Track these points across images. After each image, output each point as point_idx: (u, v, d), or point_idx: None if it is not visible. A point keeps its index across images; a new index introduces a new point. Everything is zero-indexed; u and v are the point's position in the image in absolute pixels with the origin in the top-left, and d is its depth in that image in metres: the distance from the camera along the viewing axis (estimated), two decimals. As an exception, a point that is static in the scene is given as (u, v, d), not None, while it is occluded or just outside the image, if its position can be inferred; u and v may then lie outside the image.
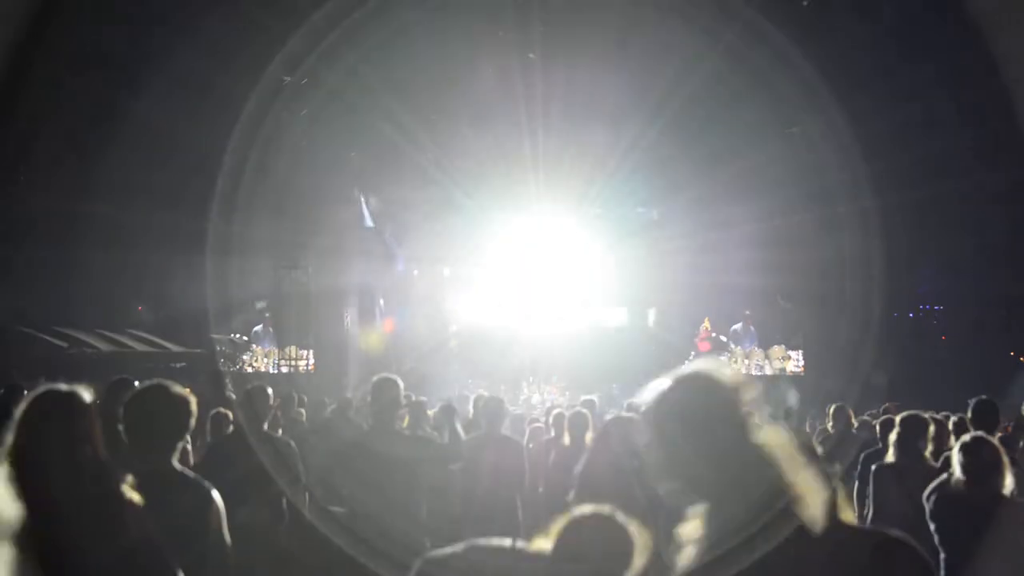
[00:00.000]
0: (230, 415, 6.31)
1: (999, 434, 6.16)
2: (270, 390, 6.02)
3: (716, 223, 22.08)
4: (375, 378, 4.92)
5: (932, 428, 5.70)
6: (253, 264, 22.06)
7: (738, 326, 22.39)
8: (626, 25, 18.71)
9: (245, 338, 22.07)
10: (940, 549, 4.23)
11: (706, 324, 22.33)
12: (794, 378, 21.64)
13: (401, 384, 4.89)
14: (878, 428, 7.23)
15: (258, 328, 22.85)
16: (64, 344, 16.90)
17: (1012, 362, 21.97)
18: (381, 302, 23.90)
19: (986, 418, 5.42)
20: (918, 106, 19.87)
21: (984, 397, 5.71)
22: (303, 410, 9.75)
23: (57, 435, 2.30)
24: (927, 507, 4.35)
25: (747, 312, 22.35)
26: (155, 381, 3.07)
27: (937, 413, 7.23)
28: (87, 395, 2.48)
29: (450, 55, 19.20)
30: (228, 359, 18.84)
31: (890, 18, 19.21)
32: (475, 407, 9.04)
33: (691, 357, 21.97)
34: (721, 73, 19.57)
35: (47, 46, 16.77)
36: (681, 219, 22.78)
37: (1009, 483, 4.04)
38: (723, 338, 22.32)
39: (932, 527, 4.31)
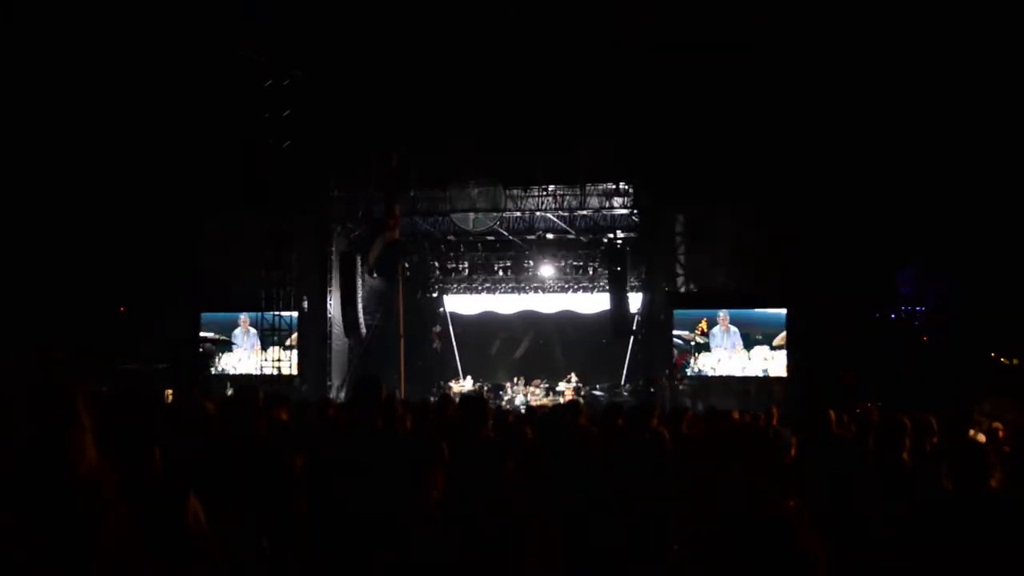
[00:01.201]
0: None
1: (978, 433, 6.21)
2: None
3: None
4: (356, 378, 4.91)
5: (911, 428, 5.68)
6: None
7: (717, 327, 22.41)
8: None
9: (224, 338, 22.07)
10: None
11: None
12: (776, 380, 21.75)
13: (382, 384, 4.88)
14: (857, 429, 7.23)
15: (238, 330, 22.83)
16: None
17: (992, 363, 22.12)
18: (361, 306, 23.84)
19: (958, 419, 5.40)
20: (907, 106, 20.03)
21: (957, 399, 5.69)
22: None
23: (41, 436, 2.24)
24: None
25: (724, 314, 22.35)
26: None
27: (917, 413, 7.23)
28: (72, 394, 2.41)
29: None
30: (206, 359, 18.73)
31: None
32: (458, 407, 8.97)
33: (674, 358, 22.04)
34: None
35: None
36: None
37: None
38: (701, 339, 22.29)
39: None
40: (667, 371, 21.95)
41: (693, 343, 22.17)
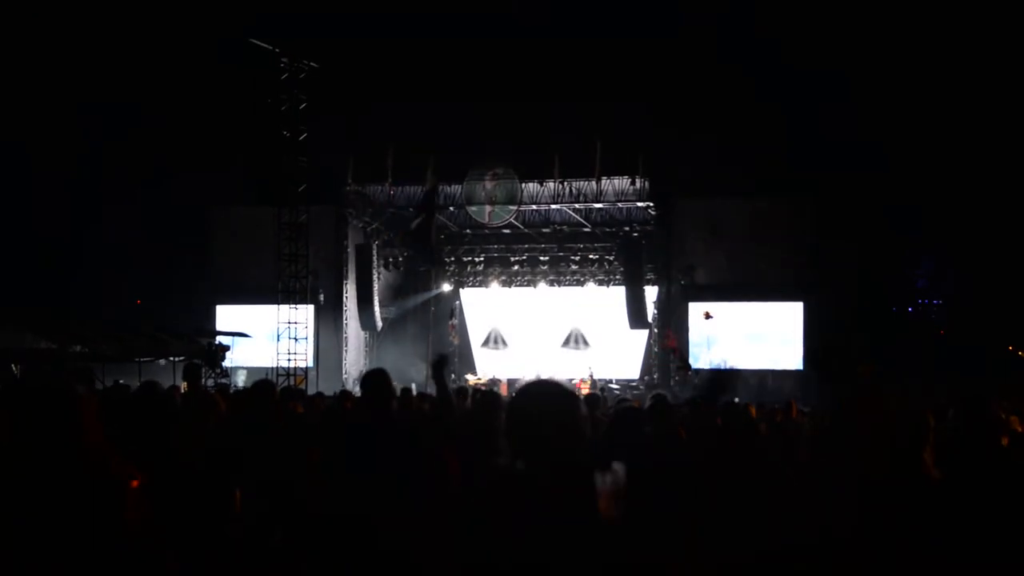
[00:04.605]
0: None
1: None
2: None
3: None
4: (366, 371, 4.94)
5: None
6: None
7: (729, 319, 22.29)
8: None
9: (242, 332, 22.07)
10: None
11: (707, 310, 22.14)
12: (790, 372, 21.66)
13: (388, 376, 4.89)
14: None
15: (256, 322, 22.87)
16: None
17: (1010, 356, 21.98)
18: (377, 299, 23.86)
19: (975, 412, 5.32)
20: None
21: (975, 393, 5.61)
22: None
23: (54, 427, 2.38)
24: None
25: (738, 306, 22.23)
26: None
27: (935, 407, 7.18)
28: (81, 388, 2.56)
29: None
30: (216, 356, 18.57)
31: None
32: (471, 401, 8.91)
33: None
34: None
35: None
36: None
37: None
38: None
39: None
40: (676, 363, 21.84)
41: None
